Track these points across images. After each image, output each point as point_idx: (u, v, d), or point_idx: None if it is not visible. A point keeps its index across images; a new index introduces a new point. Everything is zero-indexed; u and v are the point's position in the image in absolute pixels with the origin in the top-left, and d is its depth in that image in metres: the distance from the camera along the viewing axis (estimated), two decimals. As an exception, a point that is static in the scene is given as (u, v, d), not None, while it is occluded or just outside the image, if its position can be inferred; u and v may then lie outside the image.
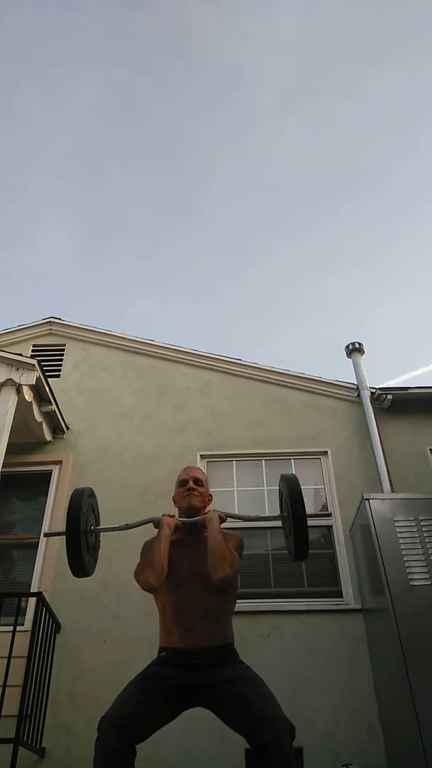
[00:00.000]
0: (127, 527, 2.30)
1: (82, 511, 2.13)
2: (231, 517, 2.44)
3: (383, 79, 17.30)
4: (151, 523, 2.29)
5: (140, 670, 2.09)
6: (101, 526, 2.37)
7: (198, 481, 2.40)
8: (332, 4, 14.70)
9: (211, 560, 2.10)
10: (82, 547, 2.09)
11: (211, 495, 2.49)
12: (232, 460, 5.04)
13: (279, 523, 2.40)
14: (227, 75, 17.71)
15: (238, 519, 2.81)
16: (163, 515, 2.27)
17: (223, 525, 2.28)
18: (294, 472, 4.97)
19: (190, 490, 2.36)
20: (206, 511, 2.36)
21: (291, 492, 2.17)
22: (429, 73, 17.63)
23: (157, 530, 2.24)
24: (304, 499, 2.21)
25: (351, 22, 14.53)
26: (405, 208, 22.43)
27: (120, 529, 2.29)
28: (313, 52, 16.06)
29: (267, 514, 4.58)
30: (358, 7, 14.85)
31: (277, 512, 2.45)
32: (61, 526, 4.63)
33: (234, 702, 1.92)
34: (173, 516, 2.31)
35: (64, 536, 2.09)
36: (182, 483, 2.41)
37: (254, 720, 1.82)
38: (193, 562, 2.20)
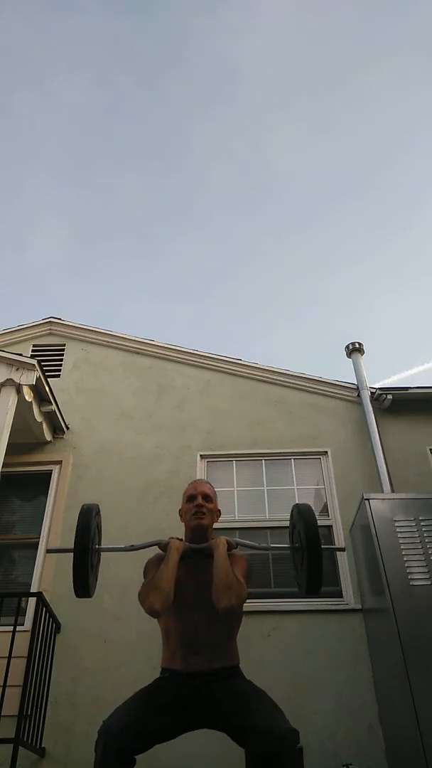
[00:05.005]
0: (132, 548, 2.26)
1: (92, 531, 2.09)
2: (241, 545, 2.36)
3: (379, 80, 17.30)
4: (158, 546, 2.24)
5: (140, 675, 2.09)
6: (106, 546, 2.33)
7: (207, 497, 2.34)
8: (328, 3, 14.70)
9: (216, 590, 2.05)
10: (88, 568, 2.06)
11: (219, 511, 2.43)
12: (232, 460, 5.03)
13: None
14: (222, 75, 17.71)
15: (248, 547, 2.51)
16: (170, 538, 2.23)
17: None
18: (294, 472, 4.97)
19: (199, 507, 2.30)
20: (214, 530, 2.34)
21: (306, 524, 2.11)
22: (426, 74, 17.63)
23: (162, 551, 2.21)
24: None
25: (347, 21, 14.52)
26: (401, 209, 22.43)
27: (125, 550, 2.26)
28: (309, 51, 16.05)
29: (267, 511, 4.60)
30: (354, 6, 14.84)
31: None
32: (62, 527, 4.63)
33: (242, 714, 1.89)
34: (181, 539, 2.25)
35: (70, 553, 2.05)
36: (191, 498, 2.34)
37: (264, 732, 1.79)
38: (198, 588, 2.15)
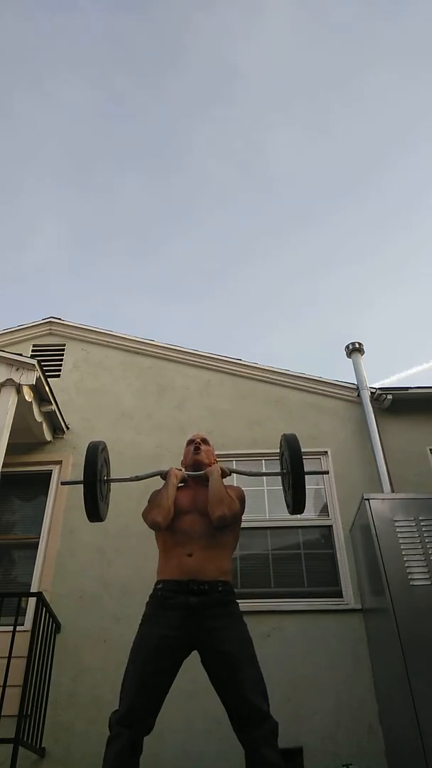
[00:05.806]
0: (137, 478, 2.54)
1: (98, 463, 2.36)
2: (234, 471, 2.66)
3: (379, 80, 17.31)
4: (159, 476, 2.50)
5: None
6: (113, 477, 2.61)
7: (204, 441, 2.71)
8: (328, 3, 14.70)
9: (210, 501, 2.31)
10: (98, 495, 2.32)
11: (216, 458, 2.72)
12: (232, 460, 5.02)
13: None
14: (221, 75, 17.72)
15: (240, 474, 2.92)
16: (171, 468, 2.51)
17: None
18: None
19: (197, 445, 2.63)
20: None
21: (291, 451, 2.36)
22: (426, 74, 17.63)
23: (164, 481, 2.46)
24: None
25: (347, 21, 14.53)
26: (401, 209, 22.43)
27: (130, 480, 2.54)
28: (309, 51, 16.05)
29: (267, 511, 4.61)
30: (354, 6, 14.84)
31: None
32: (62, 527, 4.64)
33: (233, 685, 2.03)
34: (181, 469, 2.55)
35: (81, 485, 2.31)
36: (190, 442, 2.71)
37: (249, 713, 1.95)
38: (194, 499, 2.41)
